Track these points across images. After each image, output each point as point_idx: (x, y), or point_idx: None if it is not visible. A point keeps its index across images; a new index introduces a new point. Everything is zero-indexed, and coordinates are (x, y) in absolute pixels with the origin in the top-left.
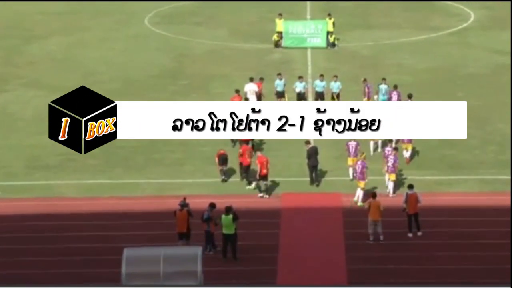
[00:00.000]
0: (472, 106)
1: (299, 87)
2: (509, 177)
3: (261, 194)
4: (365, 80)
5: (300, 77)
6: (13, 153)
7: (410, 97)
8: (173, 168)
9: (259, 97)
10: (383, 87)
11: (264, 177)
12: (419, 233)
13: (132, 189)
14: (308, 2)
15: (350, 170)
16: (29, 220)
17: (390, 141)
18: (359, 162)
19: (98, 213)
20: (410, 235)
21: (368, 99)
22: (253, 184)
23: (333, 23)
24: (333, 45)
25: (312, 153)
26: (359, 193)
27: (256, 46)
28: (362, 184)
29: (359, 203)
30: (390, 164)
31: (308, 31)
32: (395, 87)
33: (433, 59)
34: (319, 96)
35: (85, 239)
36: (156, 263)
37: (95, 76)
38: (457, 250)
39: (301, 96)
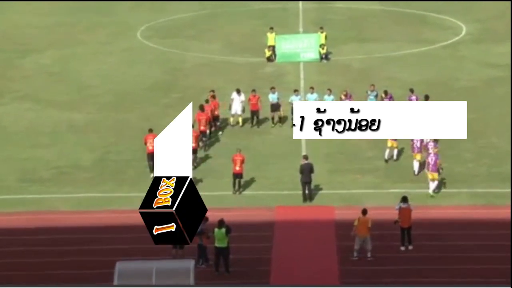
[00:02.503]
0: None
1: (295, 100)
2: (503, 191)
3: None
4: (346, 94)
5: (296, 90)
6: (6, 166)
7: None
8: None
9: (213, 113)
10: (373, 93)
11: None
12: (410, 247)
13: (125, 202)
14: (300, 16)
15: (387, 151)
16: (21, 234)
17: None
18: (432, 155)
19: (90, 227)
20: (402, 248)
21: None
22: None
23: (325, 36)
24: (326, 57)
25: (305, 170)
26: (433, 185)
27: (249, 59)
28: (435, 175)
29: (432, 193)
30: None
31: (301, 45)
32: (412, 91)
33: (426, 72)
34: None
35: (77, 253)
36: (148, 277)
37: (89, 90)
38: (450, 263)
39: None
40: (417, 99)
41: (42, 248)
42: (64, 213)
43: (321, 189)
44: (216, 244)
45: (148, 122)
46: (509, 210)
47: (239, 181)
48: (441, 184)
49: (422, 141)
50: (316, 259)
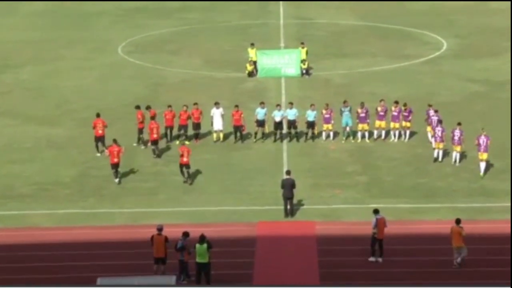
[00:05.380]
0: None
1: (277, 115)
2: (483, 205)
3: (116, 180)
4: (326, 108)
5: (278, 105)
6: None
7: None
8: (146, 197)
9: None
10: (347, 109)
11: (115, 165)
12: (380, 260)
13: (105, 218)
14: (281, 31)
15: (453, 155)
16: (1, 250)
17: (440, 121)
18: (482, 136)
19: (71, 243)
20: (372, 259)
21: (327, 123)
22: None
23: (306, 52)
24: (307, 72)
25: (287, 185)
26: (483, 166)
27: (231, 74)
28: (484, 156)
29: (482, 173)
30: (456, 138)
31: (282, 61)
32: (430, 105)
33: (407, 87)
34: (291, 124)
35: (58, 269)
36: None
37: (69, 105)
38: (432, 278)
39: (278, 124)
40: (435, 112)
41: (22, 264)
42: (45, 230)
43: (302, 204)
44: (197, 260)
45: (129, 137)
46: (490, 225)
47: (188, 171)
48: (489, 165)
49: (443, 130)
50: (297, 275)
